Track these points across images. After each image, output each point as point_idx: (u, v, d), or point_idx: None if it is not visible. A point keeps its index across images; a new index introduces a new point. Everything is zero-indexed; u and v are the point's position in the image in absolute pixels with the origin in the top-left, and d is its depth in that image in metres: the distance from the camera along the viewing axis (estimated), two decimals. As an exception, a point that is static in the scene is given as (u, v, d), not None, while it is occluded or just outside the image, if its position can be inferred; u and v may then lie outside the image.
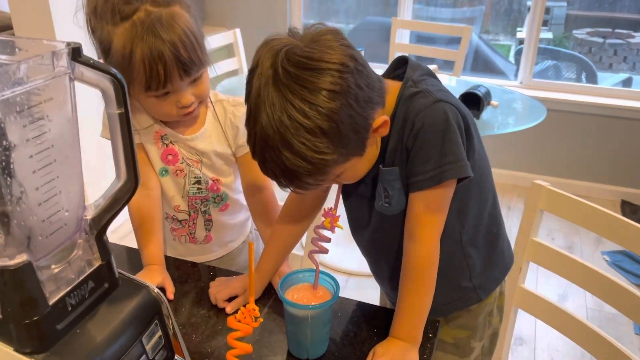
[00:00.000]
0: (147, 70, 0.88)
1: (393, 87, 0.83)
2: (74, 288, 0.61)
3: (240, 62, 2.59)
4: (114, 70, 0.59)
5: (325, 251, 0.84)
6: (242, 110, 1.07)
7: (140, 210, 1.04)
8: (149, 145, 1.05)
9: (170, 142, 1.06)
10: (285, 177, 0.76)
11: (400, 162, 0.83)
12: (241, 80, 2.60)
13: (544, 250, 1.17)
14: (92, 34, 0.92)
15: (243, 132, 1.07)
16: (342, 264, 2.39)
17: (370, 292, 2.26)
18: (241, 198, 1.15)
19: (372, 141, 0.80)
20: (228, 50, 2.60)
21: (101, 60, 0.91)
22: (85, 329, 0.62)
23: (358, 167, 0.82)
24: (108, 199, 0.64)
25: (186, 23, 0.90)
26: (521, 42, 2.92)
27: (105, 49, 0.91)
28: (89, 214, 0.64)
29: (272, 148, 0.73)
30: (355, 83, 0.73)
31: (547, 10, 4.04)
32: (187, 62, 0.90)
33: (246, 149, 1.08)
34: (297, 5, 3.15)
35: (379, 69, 0.87)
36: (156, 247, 1.02)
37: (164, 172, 1.07)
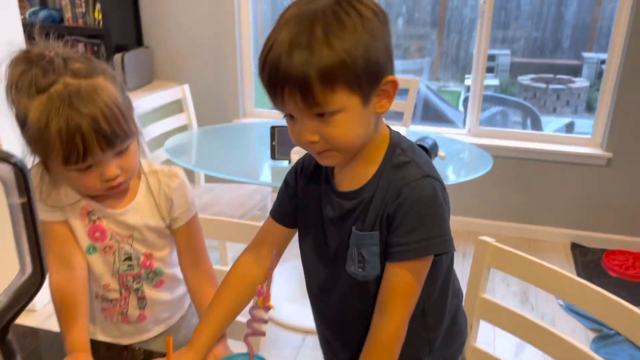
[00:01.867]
0: (64, 143, 0.84)
1: (383, 132, 0.83)
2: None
3: (190, 118, 2.55)
4: (14, 158, 0.54)
5: (262, 334, 0.79)
6: (177, 182, 1.03)
7: (63, 293, 0.96)
8: (75, 220, 0.99)
9: (98, 217, 1.00)
10: (320, 76, 0.70)
11: (381, 228, 0.81)
12: (191, 136, 2.56)
13: (494, 307, 1.15)
14: (10, 106, 0.88)
15: (178, 205, 1.03)
16: (300, 321, 2.31)
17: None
18: (177, 272, 1.09)
19: (376, 104, 0.77)
20: (178, 106, 2.57)
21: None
22: None
23: (354, 120, 0.75)
24: (10, 295, 0.58)
25: (109, 94, 0.87)
26: (469, 88, 3.01)
27: (21, 121, 0.88)
28: (-12, 314, 0.58)
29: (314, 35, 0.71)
30: (389, 34, 0.76)
31: (493, 58, 4.23)
32: (109, 135, 0.86)
33: (182, 222, 1.04)
34: (247, 61, 3.16)
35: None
36: (80, 332, 0.94)
37: (91, 250, 1.01)
